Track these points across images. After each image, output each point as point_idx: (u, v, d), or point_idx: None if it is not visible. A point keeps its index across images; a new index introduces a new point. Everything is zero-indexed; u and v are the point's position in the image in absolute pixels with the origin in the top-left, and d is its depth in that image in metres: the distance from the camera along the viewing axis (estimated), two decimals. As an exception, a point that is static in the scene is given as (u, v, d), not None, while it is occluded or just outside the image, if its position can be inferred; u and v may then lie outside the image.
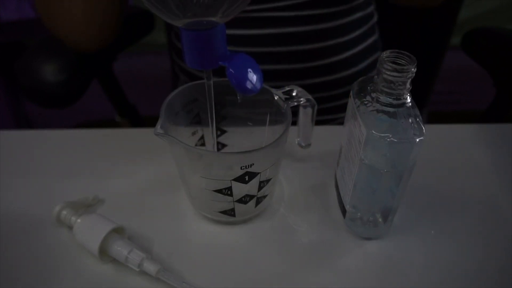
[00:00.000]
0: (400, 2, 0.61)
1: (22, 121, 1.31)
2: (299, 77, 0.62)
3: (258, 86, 0.33)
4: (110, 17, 0.56)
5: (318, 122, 0.45)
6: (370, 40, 0.67)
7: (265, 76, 0.38)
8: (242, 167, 0.36)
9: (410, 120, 0.33)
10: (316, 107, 0.42)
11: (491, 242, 0.40)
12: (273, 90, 0.40)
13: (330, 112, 0.66)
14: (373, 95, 0.34)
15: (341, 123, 0.43)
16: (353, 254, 0.39)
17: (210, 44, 0.32)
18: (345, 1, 0.61)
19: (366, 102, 0.35)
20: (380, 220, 0.39)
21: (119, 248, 0.36)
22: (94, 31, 0.55)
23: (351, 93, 0.37)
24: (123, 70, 0.79)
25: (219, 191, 0.37)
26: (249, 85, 0.32)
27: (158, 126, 0.36)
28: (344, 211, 0.40)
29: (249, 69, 0.32)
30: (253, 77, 0.32)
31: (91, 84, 0.62)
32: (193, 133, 0.43)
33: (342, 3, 0.60)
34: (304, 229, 0.42)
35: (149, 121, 0.48)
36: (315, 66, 0.62)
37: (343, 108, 0.40)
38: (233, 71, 0.32)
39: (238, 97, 0.37)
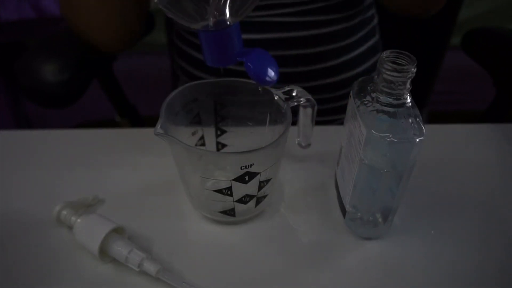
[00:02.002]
0: (398, 10, 0.61)
1: (22, 121, 1.31)
2: (301, 80, 0.63)
3: (275, 78, 0.36)
4: (138, 16, 0.58)
5: (320, 123, 0.45)
6: (371, 42, 0.68)
7: None
8: (242, 167, 0.36)
9: (410, 120, 0.33)
10: (316, 107, 0.42)
11: (491, 242, 0.40)
12: (273, 90, 0.40)
13: (331, 113, 0.67)
14: (373, 95, 0.34)
15: (342, 124, 0.43)
16: (353, 254, 0.39)
17: (228, 42, 0.35)
18: (345, 8, 0.61)
19: (366, 102, 0.35)
20: (380, 220, 0.39)
21: (119, 248, 0.36)
22: (123, 31, 0.57)
23: (351, 93, 0.37)
24: (123, 70, 0.79)
25: (219, 191, 0.37)
26: (267, 78, 0.36)
27: (158, 126, 0.36)
28: (344, 211, 0.40)
29: (265, 63, 0.36)
30: (268, 70, 0.36)
31: (91, 84, 0.62)
32: (193, 133, 0.43)
33: (342, 10, 0.61)
34: (304, 229, 0.42)
35: (149, 121, 0.48)
36: (317, 69, 0.63)
37: (345, 109, 0.40)
38: (251, 66, 0.35)
39: (259, 88, 0.40)
